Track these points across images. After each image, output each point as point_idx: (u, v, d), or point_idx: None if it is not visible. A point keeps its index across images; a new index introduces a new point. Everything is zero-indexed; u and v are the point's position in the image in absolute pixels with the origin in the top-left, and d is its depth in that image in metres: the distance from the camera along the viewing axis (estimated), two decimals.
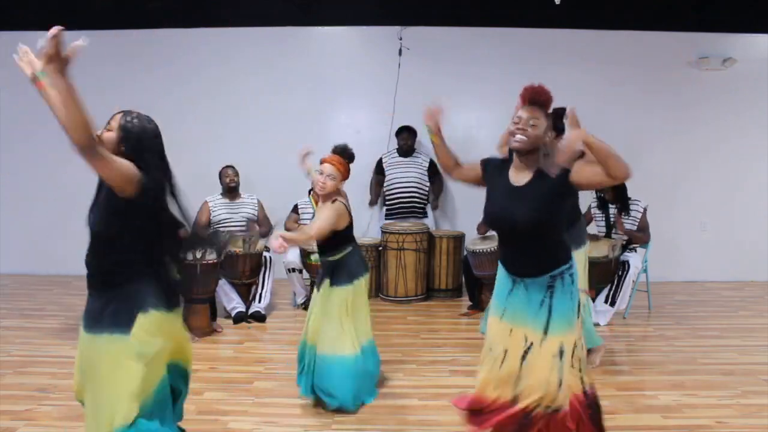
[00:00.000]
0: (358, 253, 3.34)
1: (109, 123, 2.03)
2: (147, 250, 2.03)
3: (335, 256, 3.23)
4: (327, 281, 3.26)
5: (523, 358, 2.30)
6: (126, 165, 1.92)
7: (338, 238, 3.21)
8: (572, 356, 2.30)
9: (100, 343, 1.97)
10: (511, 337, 2.33)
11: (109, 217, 1.99)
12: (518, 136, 2.26)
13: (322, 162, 3.21)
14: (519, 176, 2.33)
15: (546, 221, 2.27)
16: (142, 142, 2.01)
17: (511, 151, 2.35)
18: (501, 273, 2.44)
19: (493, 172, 2.42)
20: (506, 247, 2.41)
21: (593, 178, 2.17)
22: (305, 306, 4.97)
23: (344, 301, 3.21)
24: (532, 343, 2.29)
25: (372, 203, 6.03)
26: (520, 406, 2.27)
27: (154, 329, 1.99)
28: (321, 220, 3.12)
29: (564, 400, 2.28)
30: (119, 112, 2.05)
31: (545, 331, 2.27)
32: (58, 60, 1.68)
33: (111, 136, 2.00)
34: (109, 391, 1.94)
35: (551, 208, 2.26)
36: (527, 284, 2.32)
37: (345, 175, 3.22)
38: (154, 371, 2.00)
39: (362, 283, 3.27)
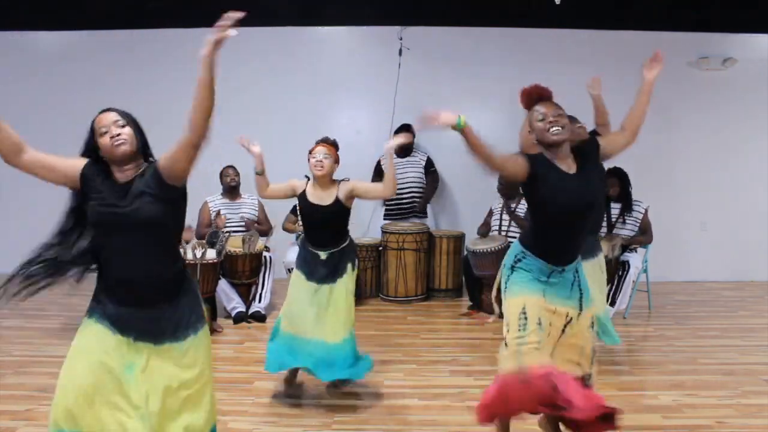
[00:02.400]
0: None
1: (110, 127, 1.94)
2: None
3: (344, 242, 3.32)
4: (340, 271, 3.25)
5: (563, 330, 2.43)
6: None
7: (347, 221, 3.33)
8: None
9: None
10: (556, 315, 2.42)
11: (166, 209, 1.96)
12: (555, 129, 2.36)
13: (312, 149, 3.31)
14: (567, 165, 2.42)
15: (602, 201, 2.53)
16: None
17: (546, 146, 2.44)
18: (528, 267, 2.45)
19: (542, 164, 2.42)
20: (562, 236, 2.45)
21: (620, 140, 2.52)
22: None
23: (350, 290, 3.29)
24: (572, 318, 2.44)
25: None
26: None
27: None
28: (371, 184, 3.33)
29: (592, 368, 2.52)
30: (109, 112, 1.98)
31: (580, 307, 2.45)
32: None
33: (130, 132, 1.98)
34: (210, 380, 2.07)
35: (602, 188, 2.53)
36: (565, 270, 2.44)
37: (336, 158, 3.32)
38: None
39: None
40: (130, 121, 2.00)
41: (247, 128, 6.08)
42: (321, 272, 3.23)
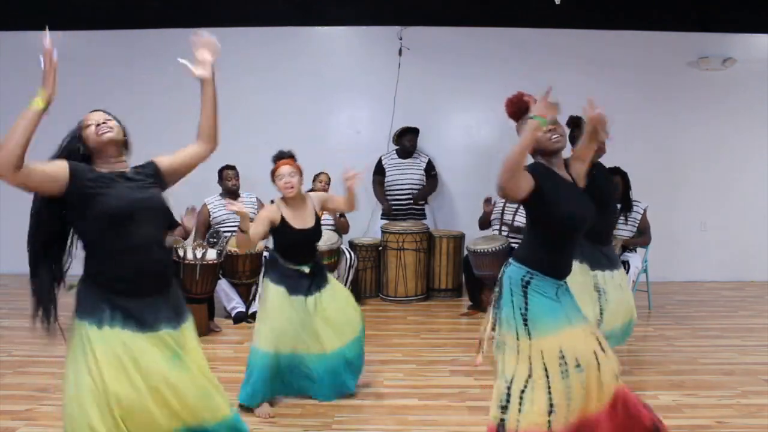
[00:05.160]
0: None
1: (97, 120, 2.09)
2: None
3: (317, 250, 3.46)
4: (330, 277, 3.36)
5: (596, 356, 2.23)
6: None
7: None
8: None
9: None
10: (589, 338, 2.26)
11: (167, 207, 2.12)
12: (555, 136, 2.27)
13: (275, 169, 3.17)
14: (564, 174, 2.35)
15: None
16: None
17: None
18: (542, 287, 2.22)
19: (545, 175, 2.28)
20: (568, 248, 2.31)
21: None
22: None
23: (343, 289, 3.45)
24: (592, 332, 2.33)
25: (385, 210, 5.80)
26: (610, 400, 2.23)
27: None
28: (339, 197, 3.39)
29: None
30: (96, 111, 2.13)
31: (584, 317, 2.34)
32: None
33: (116, 124, 2.10)
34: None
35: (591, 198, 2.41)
36: (565, 284, 2.33)
37: (300, 170, 3.23)
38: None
39: None
40: (115, 119, 2.10)
41: (246, 128, 6.15)
42: (304, 284, 3.19)
